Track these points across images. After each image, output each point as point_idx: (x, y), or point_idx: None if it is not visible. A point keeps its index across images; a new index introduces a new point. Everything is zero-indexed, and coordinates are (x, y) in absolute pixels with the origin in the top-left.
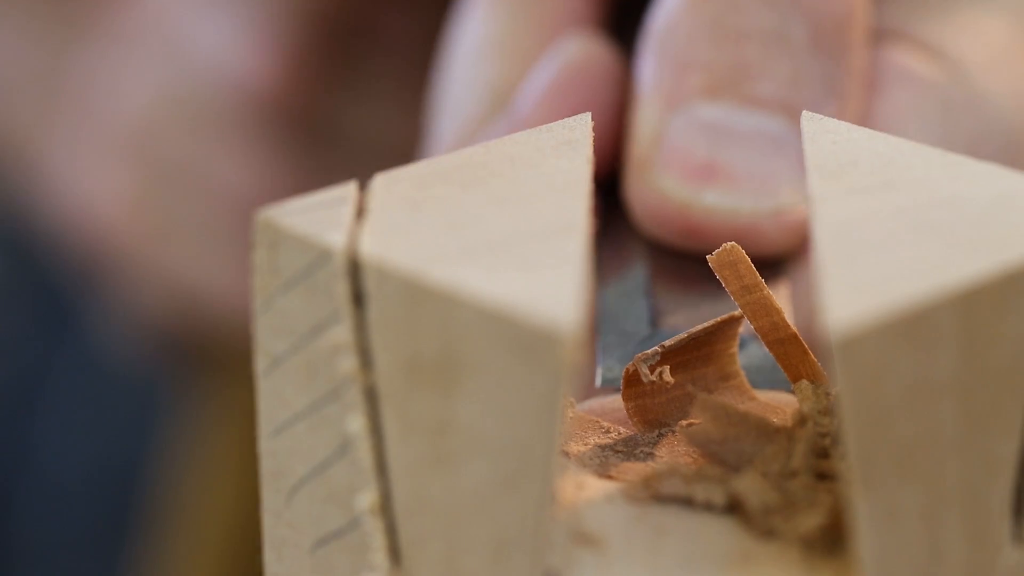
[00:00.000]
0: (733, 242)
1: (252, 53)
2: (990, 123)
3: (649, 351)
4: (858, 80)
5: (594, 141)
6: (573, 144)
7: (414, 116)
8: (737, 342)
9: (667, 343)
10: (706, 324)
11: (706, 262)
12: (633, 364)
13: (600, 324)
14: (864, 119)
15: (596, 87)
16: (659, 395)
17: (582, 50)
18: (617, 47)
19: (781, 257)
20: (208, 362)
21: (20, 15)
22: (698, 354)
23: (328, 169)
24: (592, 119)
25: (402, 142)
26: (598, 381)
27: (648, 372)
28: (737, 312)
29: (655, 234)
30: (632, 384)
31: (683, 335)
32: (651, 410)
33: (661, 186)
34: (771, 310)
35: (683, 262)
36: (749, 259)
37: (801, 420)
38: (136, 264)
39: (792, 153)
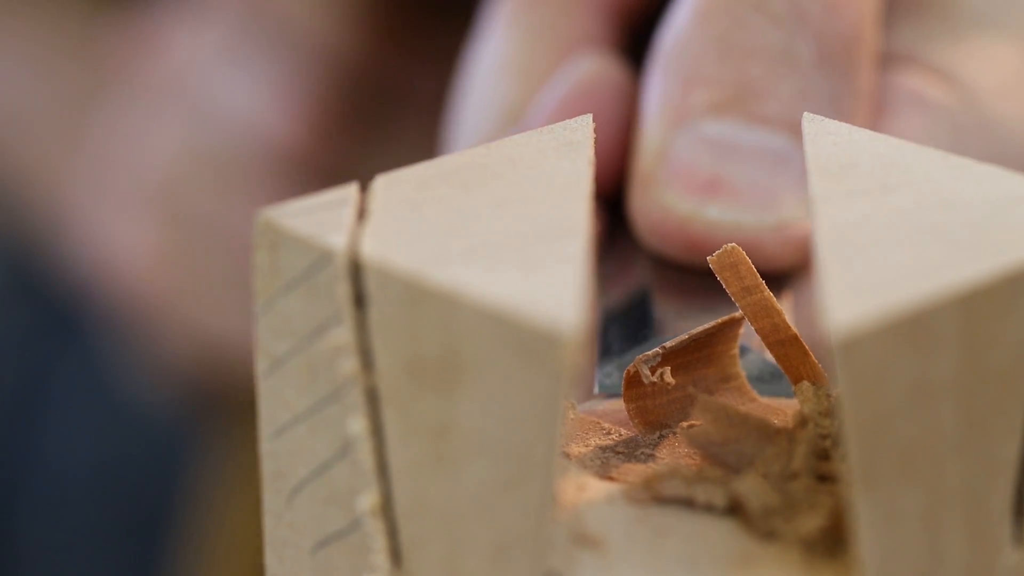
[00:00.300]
0: (734, 244)
1: (277, 108)
2: (1000, 148)
3: (650, 352)
4: (865, 100)
5: (602, 158)
6: (574, 146)
7: None
8: (738, 344)
9: (668, 344)
10: (707, 326)
11: (708, 276)
12: (634, 365)
13: (600, 333)
14: None
15: (606, 105)
16: (660, 396)
17: (593, 68)
18: (630, 68)
19: (783, 272)
20: (228, 407)
21: (45, 69)
22: (699, 356)
23: None
24: (601, 136)
25: None
26: (596, 388)
27: (649, 373)
28: (738, 314)
29: (658, 248)
30: (633, 385)
31: (684, 336)
32: (652, 411)
33: (664, 200)
34: (772, 311)
35: (686, 276)
36: (750, 261)
37: (802, 422)
38: (160, 313)
39: (796, 170)
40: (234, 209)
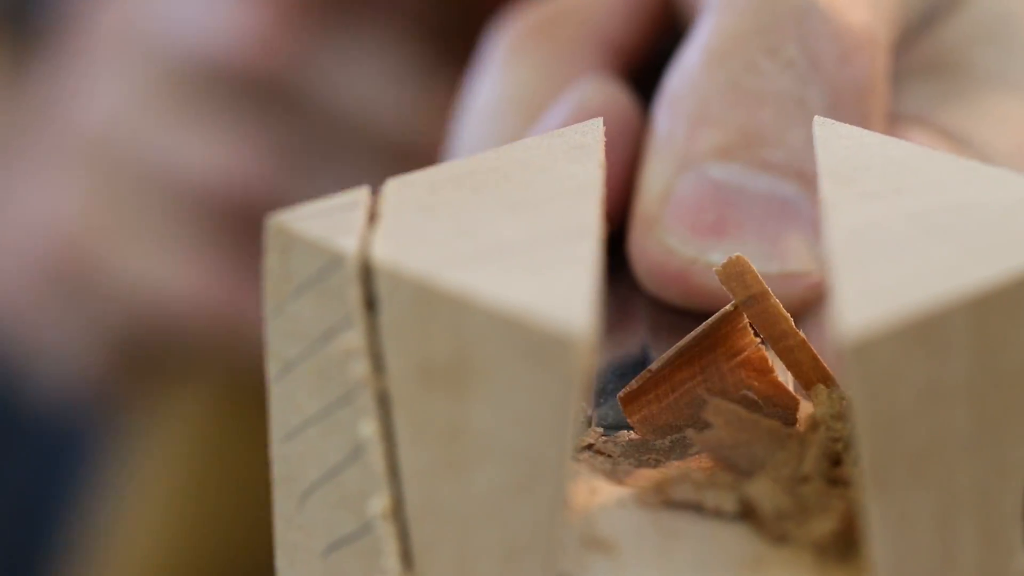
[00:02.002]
0: (738, 253)
1: (232, 24)
2: None
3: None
4: None
5: (603, 190)
6: (585, 149)
7: (399, 89)
8: (745, 320)
9: (652, 367)
10: (695, 332)
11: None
12: (625, 388)
13: (597, 376)
14: None
15: (611, 131)
16: (661, 399)
17: (600, 93)
18: (636, 100)
19: None
20: (164, 372)
21: None
22: (700, 348)
23: (309, 144)
24: (605, 163)
25: (386, 116)
26: (595, 424)
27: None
28: (725, 309)
29: (656, 292)
30: (631, 400)
31: (671, 351)
32: (657, 416)
33: (667, 242)
34: (779, 318)
35: (685, 320)
36: (755, 269)
37: (814, 425)
38: (95, 277)
39: (804, 220)
40: (183, 143)
